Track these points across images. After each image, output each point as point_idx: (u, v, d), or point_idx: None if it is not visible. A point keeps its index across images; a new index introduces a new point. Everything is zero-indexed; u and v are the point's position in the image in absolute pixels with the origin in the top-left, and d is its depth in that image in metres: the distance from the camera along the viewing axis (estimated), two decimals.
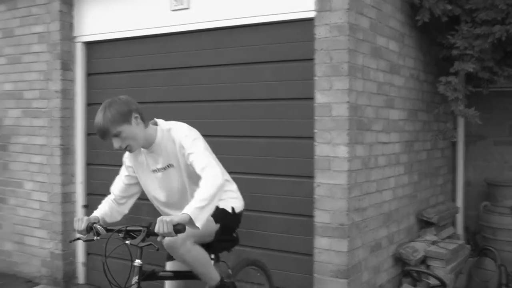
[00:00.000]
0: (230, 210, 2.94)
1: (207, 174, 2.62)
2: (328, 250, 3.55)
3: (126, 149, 2.74)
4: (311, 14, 3.64)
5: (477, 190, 5.50)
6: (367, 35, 3.76)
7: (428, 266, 4.27)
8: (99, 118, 2.66)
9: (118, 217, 3.02)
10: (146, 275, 2.67)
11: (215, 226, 2.86)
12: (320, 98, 3.58)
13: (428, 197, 5.00)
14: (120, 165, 3.04)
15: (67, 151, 4.90)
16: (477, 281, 4.52)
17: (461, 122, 5.39)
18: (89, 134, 4.92)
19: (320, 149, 3.57)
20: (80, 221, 2.70)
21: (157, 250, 2.46)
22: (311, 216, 3.65)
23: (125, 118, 2.67)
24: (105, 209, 2.94)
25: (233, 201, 3.00)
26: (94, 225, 2.67)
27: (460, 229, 5.44)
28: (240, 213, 3.04)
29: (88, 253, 4.96)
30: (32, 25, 5.04)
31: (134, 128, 2.70)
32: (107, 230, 2.65)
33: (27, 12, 5.09)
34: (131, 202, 3.06)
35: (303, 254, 3.79)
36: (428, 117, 4.92)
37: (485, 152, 5.53)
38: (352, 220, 3.56)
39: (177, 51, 4.37)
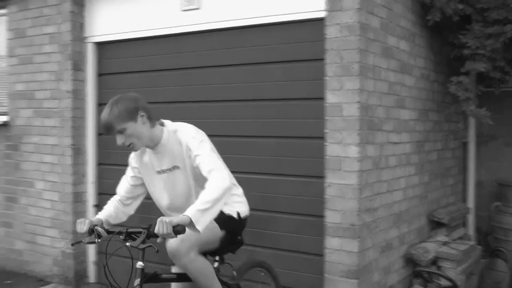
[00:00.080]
0: (235, 216, 2.89)
1: (214, 176, 2.59)
2: (338, 250, 3.54)
3: (129, 146, 2.71)
4: (322, 14, 3.63)
5: (489, 190, 5.46)
6: (378, 34, 3.75)
7: (439, 267, 4.24)
8: (105, 113, 2.66)
9: (124, 218, 3.00)
10: (148, 277, 2.63)
11: (220, 233, 2.82)
12: (331, 98, 3.57)
13: (439, 198, 4.97)
14: None
15: (78, 151, 4.93)
16: (489, 282, 4.49)
17: (472, 122, 5.36)
18: (100, 134, 4.94)
19: (331, 149, 3.57)
20: (82, 224, 2.70)
21: (157, 251, 2.44)
22: (321, 216, 3.65)
23: (131, 115, 2.66)
24: (110, 211, 2.94)
25: (238, 205, 2.94)
26: (96, 227, 2.67)
27: (471, 230, 5.41)
28: (245, 218, 2.99)
29: (99, 252, 4.98)
30: (43, 26, 5.08)
31: (139, 127, 2.68)
32: (108, 232, 2.65)
33: (38, 13, 5.13)
34: (137, 203, 3.04)
35: (313, 254, 3.78)
36: (438, 117, 4.90)
37: (496, 153, 5.49)
38: (363, 221, 3.55)
39: (188, 51, 4.38)
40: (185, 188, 2.84)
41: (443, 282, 4.10)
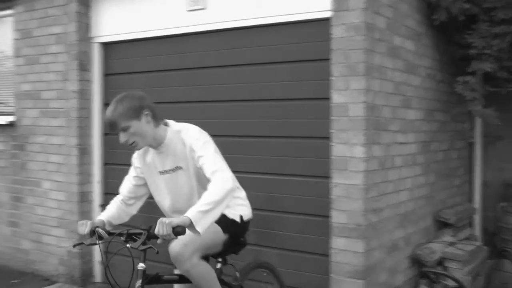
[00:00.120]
0: (238, 219, 2.86)
1: (217, 178, 2.56)
2: (344, 250, 3.54)
3: (131, 145, 2.69)
4: (328, 14, 3.63)
5: (495, 191, 5.43)
6: (384, 34, 3.74)
7: (445, 268, 4.23)
8: (109, 110, 2.65)
9: (126, 218, 2.99)
10: (150, 279, 2.60)
11: (224, 237, 2.80)
12: (337, 98, 3.57)
13: (445, 198, 4.95)
14: None
15: (84, 150, 4.95)
16: (496, 283, 4.47)
17: (478, 122, 5.34)
18: (106, 134, 4.96)
19: (337, 149, 3.56)
20: (84, 225, 2.67)
21: (157, 253, 2.43)
22: (327, 217, 3.65)
23: (135, 113, 2.64)
24: (112, 211, 2.92)
25: (241, 208, 2.91)
26: (97, 229, 2.66)
27: (477, 230, 5.39)
28: (248, 221, 2.96)
29: (105, 252, 4.98)
30: (49, 26, 5.10)
31: (143, 125, 2.67)
32: (109, 234, 2.63)
33: (44, 14, 5.15)
34: (139, 204, 3.02)
35: (319, 254, 3.78)
36: (444, 117, 4.88)
37: (503, 153, 5.46)
38: (368, 221, 3.54)
39: (194, 51, 4.38)
40: (187, 189, 2.81)
41: (450, 282, 4.09)
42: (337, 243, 3.56)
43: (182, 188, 2.82)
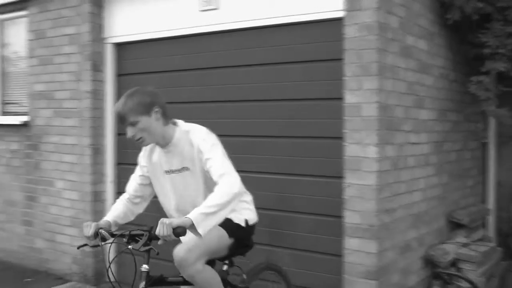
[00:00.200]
0: (243, 224, 2.80)
1: (224, 181, 2.53)
2: (357, 251, 3.52)
3: (138, 140, 2.67)
4: (340, 14, 3.62)
5: (509, 191, 5.39)
6: (397, 34, 3.72)
7: (459, 269, 4.21)
8: (119, 103, 2.64)
9: (132, 217, 2.96)
10: (154, 280, 2.56)
11: (229, 241, 2.74)
12: (349, 98, 3.56)
13: (458, 199, 4.92)
14: None
15: (97, 150, 4.99)
16: (510, 285, 4.43)
17: (492, 122, 5.30)
18: (119, 134, 4.99)
19: (350, 150, 3.55)
20: (88, 227, 2.65)
21: (157, 254, 2.41)
22: (339, 217, 3.64)
23: (145, 109, 2.62)
24: (118, 211, 2.89)
25: (247, 212, 2.85)
26: (100, 230, 2.64)
27: (491, 231, 5.35)
28: (253, 225, 2.90)
29: (120, 252, 5.01)
30: (63, 27, 5.14)
31: (152, 122, 2.64)
32: (112, 235, 2.62)
33: (58, 15, 5.19)
34: (146, 203, 3.00)
35: (331, 254, 3.77)
36: (457, 117, 4.85)
37: None
38: (381, 221, 3.53)
39: (206, 51, 4.39)
40: (193, 191, 2.76)
41: (463, 284, 4.07)
42: (350, 243, 3.55)
43: (187, 190, 2.77)
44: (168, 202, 2.86)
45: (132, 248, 2.47)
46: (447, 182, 4.64)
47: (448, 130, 4.66)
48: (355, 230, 3.53)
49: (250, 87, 4.17)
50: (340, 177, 3.63)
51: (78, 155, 5.03)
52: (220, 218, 2.49)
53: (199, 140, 2.68)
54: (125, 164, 4.96)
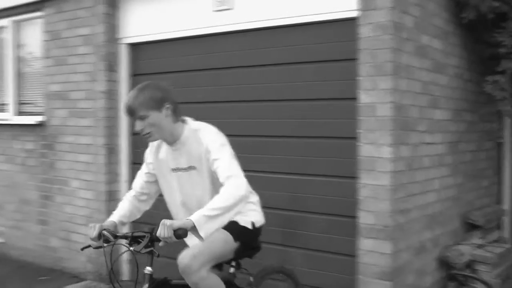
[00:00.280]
0: (250, 226, 2.74)
1: (230, 183, 2.49)
2: (372, 251, 3.51)
3: (146, 135, 2.65)
4: (354, 14, 3.61)
5: None
6: (411, 33, 3.70)
7: (474, 270, 4.17)
8: (130, 96, 2.62)
9: (138, 215, 2.94)
10: (157, 283, 2.53)
11: (235, 245, 2.68)
12: (364, 98, 3.54)
13: (473, 200, 4.88)
14: None
15: (112, 150, 5.02)
16: None
17: (507, 122, 5.24)
18: (133, 134, 5.02)
19: (365, 150, 3.54)
20: (93, 228, 2.63)
21: (158, 256, 2.40)
22: (353, 217, 3.63)
23: (156, 105, 2.60)
24: (124, 209, 2.87)
25: (253, 214, 2.79)
26: (103, 231, 2.63)
27: (507, 232, 5.29)
28: (260, 228, 2.84)
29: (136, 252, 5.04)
30: (78, 28, 5.19)
31: (162, 118, 2.62)
32: (115, 237, 2.61)
33: (73, 15, 5.24)
34: (152, 200, 2.97)
35: (345, 255, 3.76)
36: (472, 117, 4.81)
37: None
38: (396, 222, 3.51)
39: (220, 51, 4.41)
40: (199, 191, 2.73)
41: (479, 285, 4.03)
42: (365, 244, 3.54)
43: (194, 189, 2.74)
44: (175, 200, 2.83)
45: (134, 250, 2.46)
46: (462, 183, 4.60)
47: (463, 130, 4.62)
48: (370, 231, 3.52)
49: (264, 87, 4.18)
50: (353, 177, 3.62)
51: (93, 155, 5.07)
52: (223, 221, 2.47)
53: (207, 140, 2.65)
54: (140, 164, 4.94)
